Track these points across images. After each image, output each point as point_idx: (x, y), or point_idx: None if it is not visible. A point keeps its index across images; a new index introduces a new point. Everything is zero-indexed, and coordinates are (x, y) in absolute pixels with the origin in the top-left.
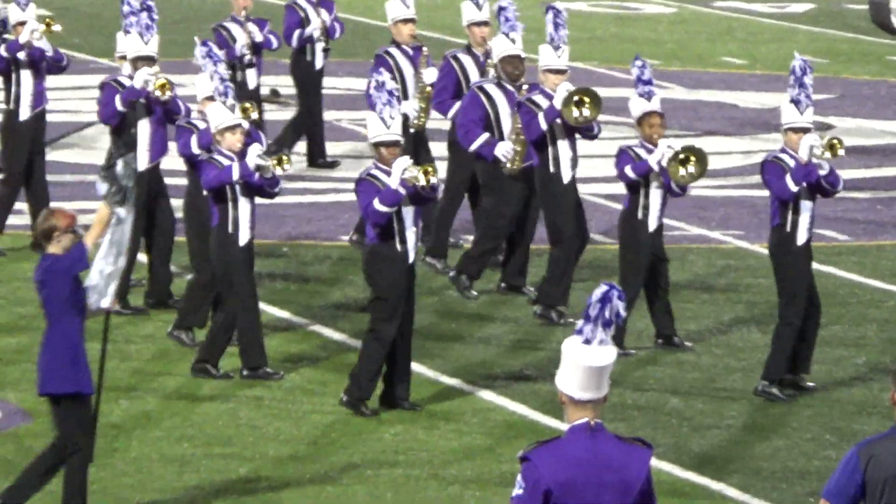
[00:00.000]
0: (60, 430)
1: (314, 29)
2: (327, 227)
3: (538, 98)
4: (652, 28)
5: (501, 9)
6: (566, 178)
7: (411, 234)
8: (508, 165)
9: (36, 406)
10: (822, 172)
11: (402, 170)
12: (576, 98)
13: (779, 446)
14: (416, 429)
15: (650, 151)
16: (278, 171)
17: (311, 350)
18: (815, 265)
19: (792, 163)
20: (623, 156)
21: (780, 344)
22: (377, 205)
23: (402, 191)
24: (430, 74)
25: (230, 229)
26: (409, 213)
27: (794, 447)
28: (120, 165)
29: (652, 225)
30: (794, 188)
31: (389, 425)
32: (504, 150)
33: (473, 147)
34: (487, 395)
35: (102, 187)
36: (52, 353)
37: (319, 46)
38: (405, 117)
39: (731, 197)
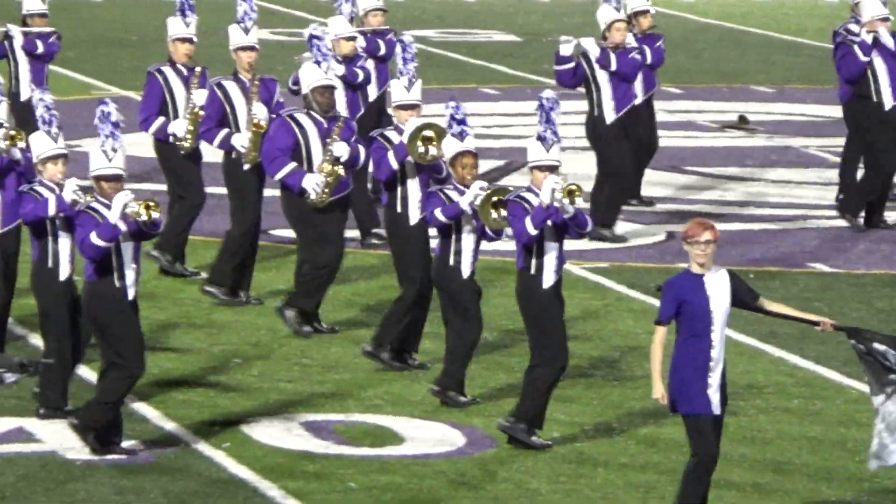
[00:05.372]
0: None
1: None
2: (793, 253)
3: (391, 134)
4: None
5: (314, 37)
6: (413, 219)
7: (130, 271)
8: (314, 198)
9: (500, 433)
10: (567, 216)
11: (123, 204)
12: (424, 134)
13: None
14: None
15: (462, 193)
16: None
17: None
18: None
19: (536, 202)
20: (433, 198)
21: (534, 389)
22: (94, 239)
23: (123, 226)
24: (201, 96)
25: (50, 264)
26: (128, 248)
27: None
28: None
29: (466, 271)
30: (533, 231)
31: (854, 454)
32: (314, 183)
33: (279, 176)
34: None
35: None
36: None
37: None
38: (174, 137)
39: None
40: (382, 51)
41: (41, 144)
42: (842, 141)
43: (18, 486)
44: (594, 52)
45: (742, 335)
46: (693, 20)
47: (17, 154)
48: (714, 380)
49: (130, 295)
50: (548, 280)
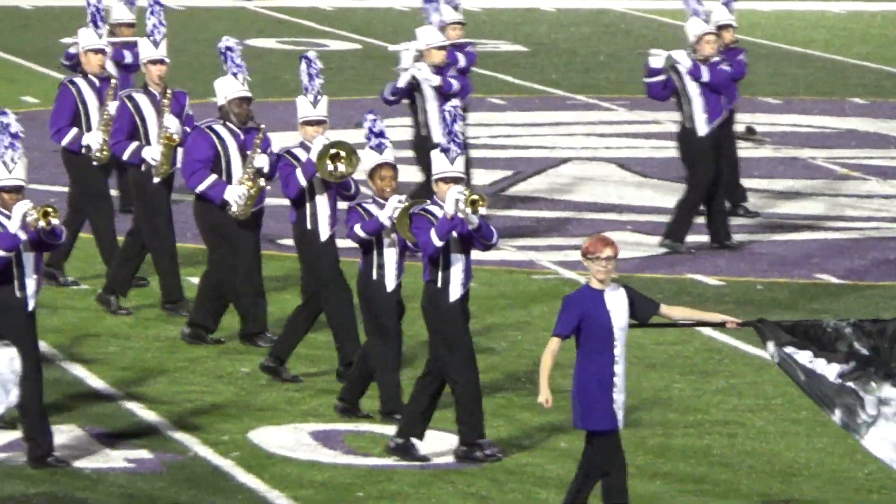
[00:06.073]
0: None
1: None
2: (800, 264)
3: (297, 151)
4: None
5: (228, 49)
6: (324, 235)
7: (31, 281)
8: (236, 210)
9: (509, 443)
10: (471, 227)
11: (23, 214)
12: (332, 152)
13: None
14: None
15: (382, 206)
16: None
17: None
18: None
19: (441, 214)
20: (353, 213)
21: (463, 406)
22: None
23: (23, 235)
24: (116, 108)
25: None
26: (29, 259)
27: None
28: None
29: (390, 285)
30: (438, 243)
31: (863, 465)
32: (236, 195)
33: (200, 189)
34: None
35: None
36: None
37: None
38: (88, 149)
39: None
40: (462, 62)
41: None
42: (848, 152)
43: (27, 493)
44: (685, 63)
45: (749, 346)
46: None
47: None
48: (619, 395)
49: (31, 305)
50: (454, 293)
